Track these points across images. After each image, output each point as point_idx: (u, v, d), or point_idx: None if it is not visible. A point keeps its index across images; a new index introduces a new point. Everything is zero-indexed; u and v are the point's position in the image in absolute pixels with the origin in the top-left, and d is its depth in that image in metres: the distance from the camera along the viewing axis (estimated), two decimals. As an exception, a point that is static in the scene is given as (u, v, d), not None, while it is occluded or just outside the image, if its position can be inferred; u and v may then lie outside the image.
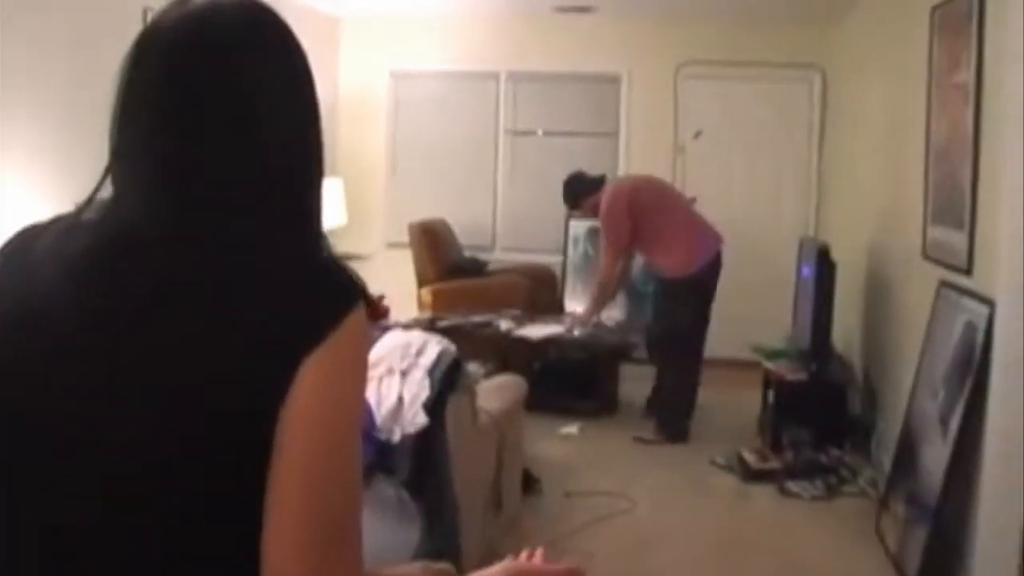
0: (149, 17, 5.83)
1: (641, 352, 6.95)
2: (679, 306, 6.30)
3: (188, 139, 1.20)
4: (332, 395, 1.14)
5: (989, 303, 3.91)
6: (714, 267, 6.35)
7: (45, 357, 1.17)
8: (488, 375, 5.25)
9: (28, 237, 1.28)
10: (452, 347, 3.78)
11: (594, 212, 6.64)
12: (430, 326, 6.23)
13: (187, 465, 1.11)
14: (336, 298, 1.17)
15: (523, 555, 1.42)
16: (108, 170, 1.26)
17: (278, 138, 1.26)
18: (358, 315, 1.17)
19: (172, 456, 1.11)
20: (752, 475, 5.61)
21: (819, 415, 5.86)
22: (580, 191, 6.69)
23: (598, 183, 6.68)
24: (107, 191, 1.26)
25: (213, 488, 1.12)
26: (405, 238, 8.07)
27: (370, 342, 1.30)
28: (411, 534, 2.36)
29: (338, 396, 1.15)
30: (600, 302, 6.86)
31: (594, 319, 6.94)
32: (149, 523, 1.12)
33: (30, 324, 1.19)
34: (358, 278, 1.22)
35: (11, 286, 1.23)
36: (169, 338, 1.13)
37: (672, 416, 6.31)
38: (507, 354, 6.56)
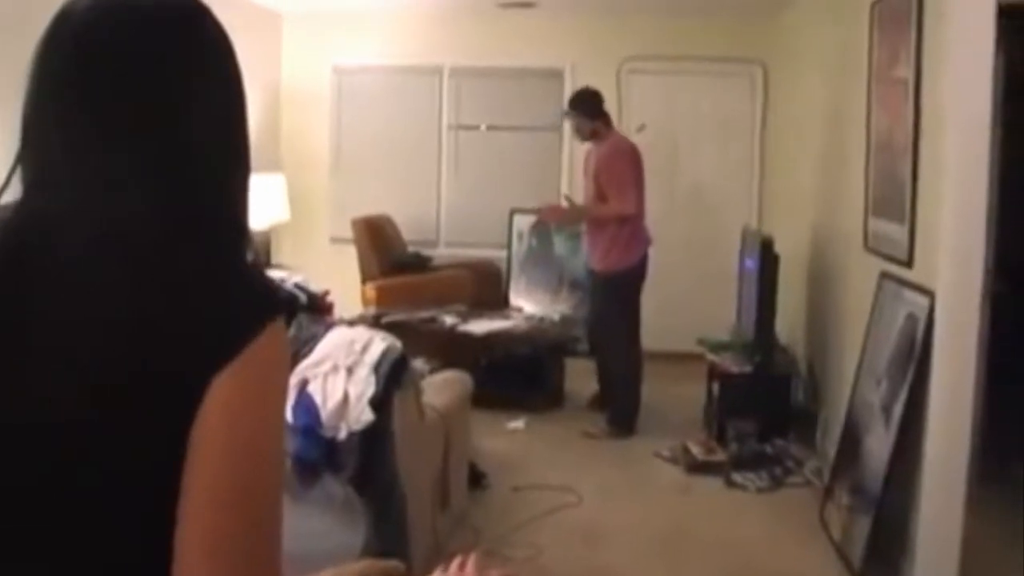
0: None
1: (584, 346, 6.96)
2: (619, 299, 6.30)
3: (98, 128, 1.13)
4: (245, 413, 1.07)
5: (930, 294, 3.96)
6: (646, 265, 6.36)
7: None
8: (434, 371, 5.23)
9: None
10: (398, 343, 3.76)
11: (590, 135, 6.48)
12: (375, 322, 6.20)
13: (94, 469, 1.07)
14: (253, 310, 1.10)
15: (454, 565, 1.35)
16: (19, 158, 1.18)
17: (198, 130, 1.19)
18: (276, 328, 1.10)
19: (80, 458, 1.07)
20: (698, 467, 5.64)
21: (764, 406, 5.90)
22: (597, 111, 6.46)
23: (608, 116, 6.54)
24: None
25: (119, 494, 1.07)
26: (349, 233, 8.02)
27: (287, 358, 1.17)
28: (358, 532, 2.34)
29: (252, 414, 1.08)
30: (577, 220, 6.70)
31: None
32: (55, 521, 1.08)
33: None
34: (280, 288, 1.14)
35: None
36: (78, 340, 1.07)
37: (624, 409, 6.31)
38: (452, 349, 6.54)
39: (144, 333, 1.07)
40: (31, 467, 1.08)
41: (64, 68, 1.15)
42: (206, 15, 1.24)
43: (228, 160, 1.25)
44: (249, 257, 1.21)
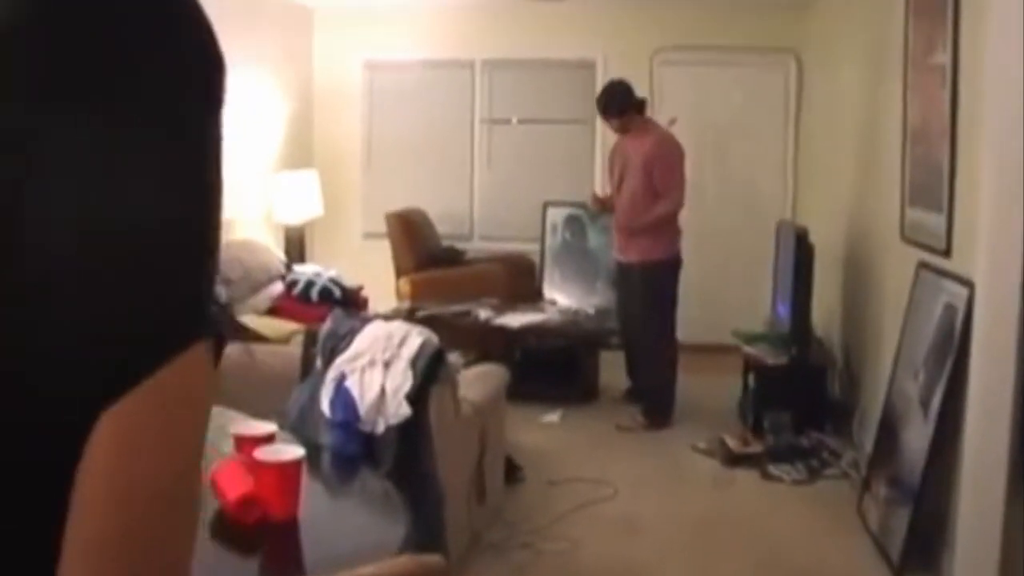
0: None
1: (619, 339, 6.95)
2: (660, 289, 6.28)
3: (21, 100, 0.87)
4: (139, 456, 0.88)
5: (968, 284, 3.93)
6: (680, 257, 6.33)
7: None
8: (469, 365, 5.24)
9: None
10: (434, 337, 3.76)
11: (622, 129, 6.44)
12: (409, 316, 6.21)
13: None
14: (150, 344, 0.88)
15: None
16: None
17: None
18: (193, 357, 0.89)
19: None
20: (734, 459, 5.62)
21: (800, 398, 5.87)
22: (627, 105, 6.40)
23: (642, 105, 6.49)
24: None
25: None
26: (382, 228, 8.03)
27: (197, 388, 0.92)
28: (397, 526, 2.34)
29: (147, 458, 0.88)
30: (651, 225, 6.41)
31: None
32: None
33: None
34: (208, 308, 0.94)
35: None
36: None
37: (659, 401, 6.30)
38: (487, 343, 6.54)
39: (16, 345, 0.87)
40: None
41: None
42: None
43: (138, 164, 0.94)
44: (179, 270, 0.95)
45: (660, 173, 6.22)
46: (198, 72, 0.95)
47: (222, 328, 0.90)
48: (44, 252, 0.87)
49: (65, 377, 0.86)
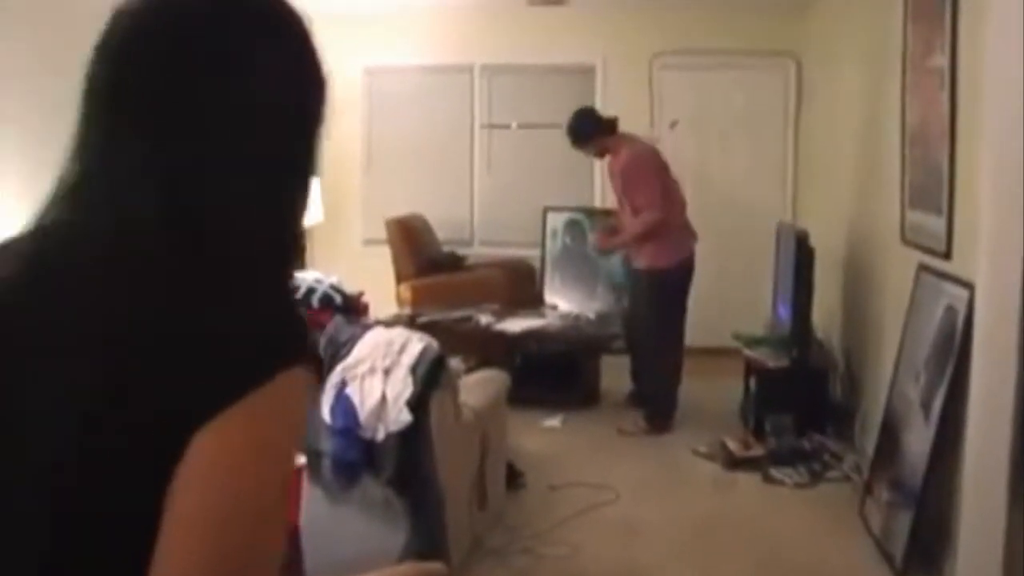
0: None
1: (621, 343, 6.94)
2: (665, 295, 6.28)
3: (141, 141, 1.02)
4: (231, 475, 0.91)
5: (969, 286, 3.92)
6: (692, 262, 6.34)
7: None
8: (470, 370, 5.23)
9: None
10: (435, 344, 3.76)
11: (600, 154, 6.50)
12: (410, 322, 6.21)
13: (75, 501, 0.94)
14: (259, 354, 0.94)
15: None
16: (65, 175, 1.07)
17: (258, 147, 1.07)
18: (287, 380, 0.94)
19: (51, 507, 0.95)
20: (735, 463, 5.62)
21: (801, 401, 5.87)
22: (592, 129, 6.43)
23: (611, 125, 6.50)
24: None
25: (88, 548, 0.94)
26: (382, 234, 8.03)
27: (295, 413, 0.99)
28: (398, 533, 2.34)
29: (239, 477, 0.91)
30: (624, 246, 6.60)
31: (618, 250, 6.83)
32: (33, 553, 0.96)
33: None
34: (298, 332, 1.00)
35: None
36: (63, 367, 0.96)
37: (661, 406, 6.30)
38: (488, 348, 6.54)
39: (126, 369, 0.94)
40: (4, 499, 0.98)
41: (96, 72, 1.08)
42: (287, 16, 1.16)
43: (269, 171, 1.10)
44: (279, 287, 1.07)
45: (632, 191, 6.30)
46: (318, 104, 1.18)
47: (317, 348, 0.94)
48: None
49: (171, 394, 0.92)
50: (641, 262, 6.38)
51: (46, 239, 1.04)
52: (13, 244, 1.08)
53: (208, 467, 0.90)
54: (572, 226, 7.93)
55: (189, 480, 0.90)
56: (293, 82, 1.15)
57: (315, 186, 5.19)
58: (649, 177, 6.22)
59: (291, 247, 1.10)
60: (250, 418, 0.91)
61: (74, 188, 1.05)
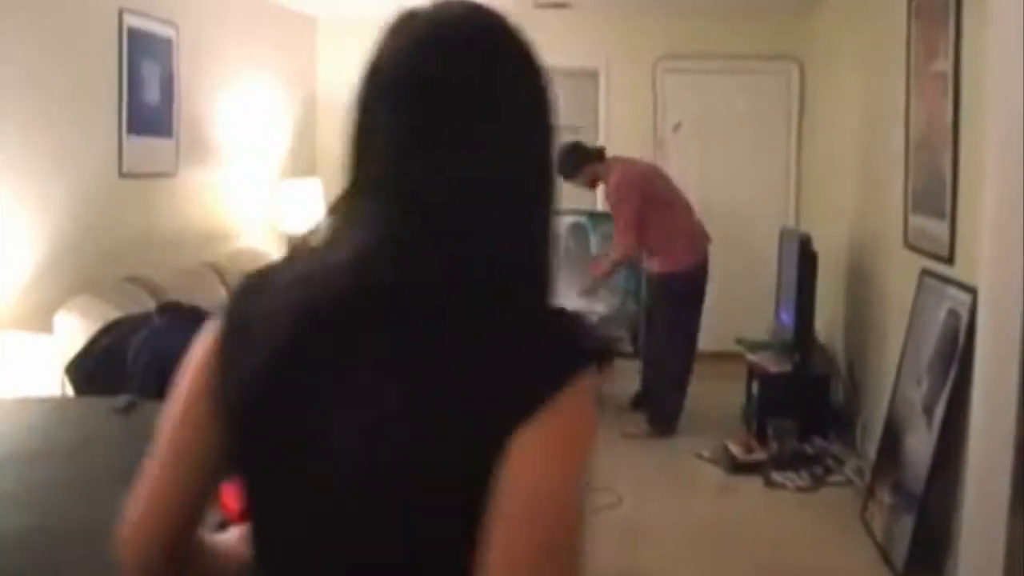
0: (125, 18, 5.76)
1: (626, 346, 6.94)
2: (678, 301, 6.29)
3: (428, 162, 1.11)
4: (545, 474, 1.02)
5: (971, 291, 3.92)
6: (706, 266, 6.37)
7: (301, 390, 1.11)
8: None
9: (260, 279, 1.22)
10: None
11: (591, 184, 6.58)
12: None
13: (390, 530, 1.07)
14: (556, 363, 1.05)
15: None
16: (343, 199, 1.18)
17: (505, 164, 1.12)
18: (582, 382, 1.05)
19: (376, 521, 1.07)
20: (738, 467, 5.62)
21: (804, 406, 5.87)
22: (580, 160, 6.51)
23: (598, 154, 6.59)
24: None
25: (415, 551, 1.07)
26: (386, 237, 8.03)
27: (593, 413, 1.10)
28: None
29: (552, 474, 1.02)
30: (608, 276, 6.75)
31: (595, 289, 6.86)
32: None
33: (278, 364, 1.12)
34: (589, 335, 1.12)
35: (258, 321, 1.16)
36: (375, 394, 1.06)
37: (666, 409, 6.31)
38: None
39: (442, 392, 1.04)
40: (329, 527, 1.10)
41: (373, 94, 1.17)
42: (524, 41, 1.18)
43: (535, 198, 1.16)
44: (551, 302, 1.14)
45: (615, 212, 6.48)
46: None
47: (610, 345, 1.02)
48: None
49: (486, 408, 1.02)
50: (655, 267, 6.42)
51: (358, 261, 1.11)
52: (306, 264, 1.18)
53: (522, 470, 1.00)
54: (575, 229, 7.92)
55: (511, 484, 1.00)
56: (544, 120, 1.19)
57: (318, 188, 5.23)
58: (631, 199, 6.29)
59: (551, 266, 1.17)
60: (555, 422, 1.01)
61: (376, 221, 1.12)
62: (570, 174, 6.55)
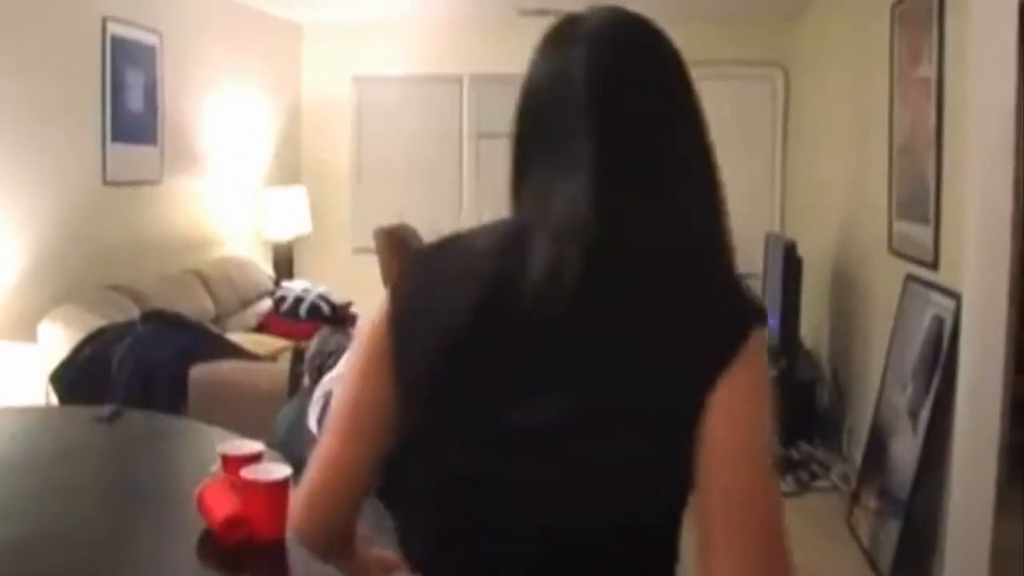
0: (109, 26, 5.75)
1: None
2: None
3: (608, 155, 1.22)
4: (745, 419, 1.17)
5: (956, 296, 3.93)
6: None
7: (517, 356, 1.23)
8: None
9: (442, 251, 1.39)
10: (422, 353, 3.75)
11: None
12: (399, 332, 6.19)
13: (609, 482, 1.19)
14: (739, 323, 1.20)
15: None
16: (518, 183, 1.36)
17: (687, 149, 1.27)
18: (759, 336, 1.20)
19: (600, 451, 1.18)
20: (724, 473, 5.61)
21: (789, 411, 5.86)
22: None
23: None
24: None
25: (634, 496, 1.20)
26: (371, 244, 8.01)
27: (766, 362, 1.25)
28: (387, 545, 2.33)
29: (751, 419, 1.18)
30: None
31: None
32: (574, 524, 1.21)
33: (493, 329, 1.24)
34: (756, 297, 1.28)
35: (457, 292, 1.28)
36: (610, 353, 1.19)
37: None
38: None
39: (652, 355, 1.17)
40: (556, 491, 1.21)
41: (571, 90, 1.25)
42: (672, 44, 1.33)
43: (711, 175, 1.30)
44: (730, 270, 1.30)
45: None
46: None
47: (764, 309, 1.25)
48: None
49: (689, 367, 1.16)
50: None
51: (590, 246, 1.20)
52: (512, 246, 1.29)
53: (725, 418, 1.15)
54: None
55: (713, 432, 1.15)
56: (699, 104, 1.32)
57: (303, 196, 5.22)
58: None
59: (729, 236, 1.34)
60: (744, 373, 1.16)
61: (574, 209, 1.23)
62: None
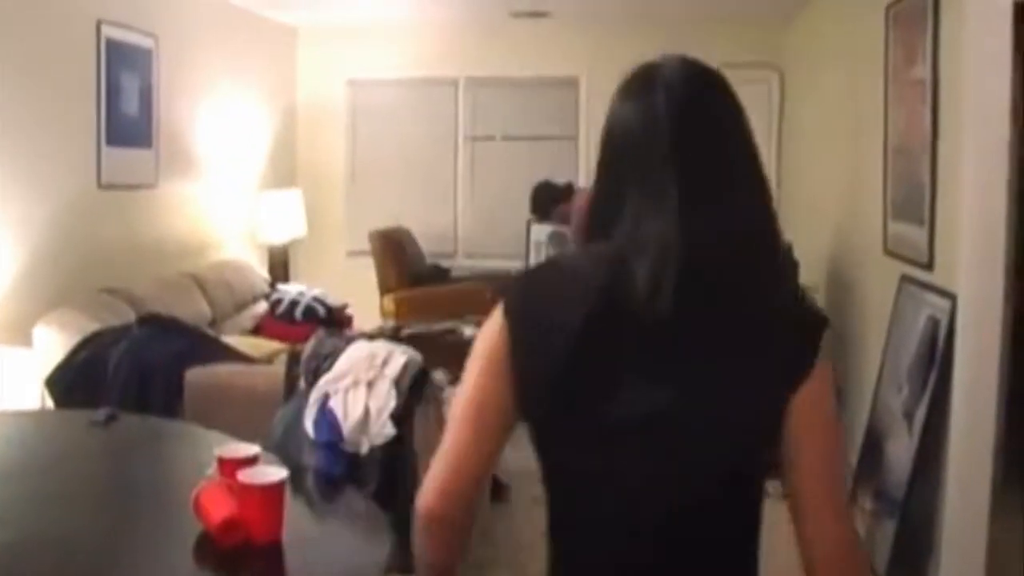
0: (104, 29, 5.75)
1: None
2: None
3: (690, 181, 1.44)
4: (824, 403, 1.48)
5: (951, 297, 3.94)
6: None
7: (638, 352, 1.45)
8: (454, 383, 5.22)
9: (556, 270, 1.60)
10: (418, 356, 3.76)
11: (564, 220, 6.63)
12: (394, 335, 6.19)
13: (739, 437, 1.48)
14: (815, 329, 1.49)
15: None
16: (607, 203, 1.52)
17: (752, 172, 1.52)
18: (827, 337, 1.48)
19: (733, 429, 1.46)
20: (720, 474, 5.61)
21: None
22: (549, 201, 6.61)
23: (566, 192, 6.65)
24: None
25: (750, 454, 1.51)
26: (366, 247, 8.02)
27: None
28: (382, 547, 2.33)
29: (827, 403, 1.50)
30: None
31: None
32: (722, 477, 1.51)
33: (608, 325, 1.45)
34: (818, 306, 1.56)
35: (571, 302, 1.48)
36: (722, 353, 1.44)
37: None
38: (472, 361, 6.53)
39: (742, 355, 1.44)
40: (697, 446, 1.47)
41: (656, 131, 1.47)
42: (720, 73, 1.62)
43: (765, 191, 1.53)
44: (791, 275, 1.59)
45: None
46: None
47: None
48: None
49: (789, 363, 1.45)
50: None
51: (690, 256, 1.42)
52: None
53: (818, 392, 1.46)
54: (556, 238, 7.92)
55: (808, 404, 1.46)
56: (752, 135, 1.57)
57: (298, 199, 5.22)
58: (579, 229, 6.28)
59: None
60: (821, 368, 1.47)
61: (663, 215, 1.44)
62: (543, 215, 6.64)
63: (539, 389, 1.49)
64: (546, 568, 1.67)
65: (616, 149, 1.54)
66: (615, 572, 1.54)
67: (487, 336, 1.57)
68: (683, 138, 1.46)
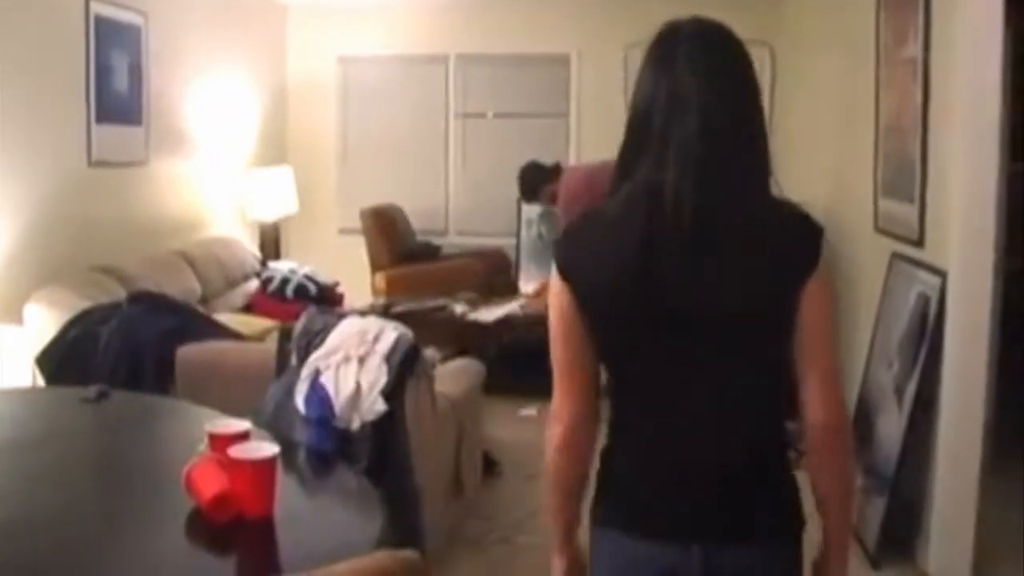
0: (92, 6, 5.70)
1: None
2: None
3: (711, 130, 1.76)
4: (824, 296, 1.79)
5: (941, 274, 3.95)
6: None
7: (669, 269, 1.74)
8: (445, 359, 5.23)
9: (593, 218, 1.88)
10: (409, 333, 3.75)
11: (552, 200, 6.60)
12: (385, 312, 6.20)
13: (757, 322, 1.78)
14: (816, 235, 1.82)
15: None
16: (631, 153, 1.85)
17: (758, 117, 1.89)
18: (824, 243, 1.82)
19: (749, 314, 1.77)
20: (711, 451, 5.62)
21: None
22: (537, 182, 6.58)
23: (554, 172, 6.62)
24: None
25: (766, 337, 1.80)
26: (357, 224, 8.02)
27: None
28: (373, 522, 2.34)
29: (827, 297, 1.80)
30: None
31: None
32: (739, 358, 1.81)
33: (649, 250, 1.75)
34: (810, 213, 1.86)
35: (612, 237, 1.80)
36: (744, 261, 1.75)
37: None
38: (463, 338, 6.54)
39: (760, 263, 1.76)
40: (725, 332, 1.77)
41: (677, 83, 1.81)
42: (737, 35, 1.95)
43: (764, 131, 1.91)
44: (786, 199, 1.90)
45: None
46: None
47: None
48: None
49: (796, 268, 1.78)
50: None
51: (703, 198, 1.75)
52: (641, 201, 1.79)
53: (816, 296, 1.78)
54: (547, 216, 7.93)
55: (812, 304, 1.77)
56: (757, 80, 1.92)
57: (289, 176, 5.19)
58: (567, 207, 6.21)
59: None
60: (821, 269, 1.79)
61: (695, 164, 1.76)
62: (531, 196, 6.62)
63: (604, 307, 1.79)
64: (600, 466, 2.05)
65: (639, 114, 1.84)
66: (670, 448, 1.88)
67: (553, 283, 1.87)
68: (704, 84, 1.79)
